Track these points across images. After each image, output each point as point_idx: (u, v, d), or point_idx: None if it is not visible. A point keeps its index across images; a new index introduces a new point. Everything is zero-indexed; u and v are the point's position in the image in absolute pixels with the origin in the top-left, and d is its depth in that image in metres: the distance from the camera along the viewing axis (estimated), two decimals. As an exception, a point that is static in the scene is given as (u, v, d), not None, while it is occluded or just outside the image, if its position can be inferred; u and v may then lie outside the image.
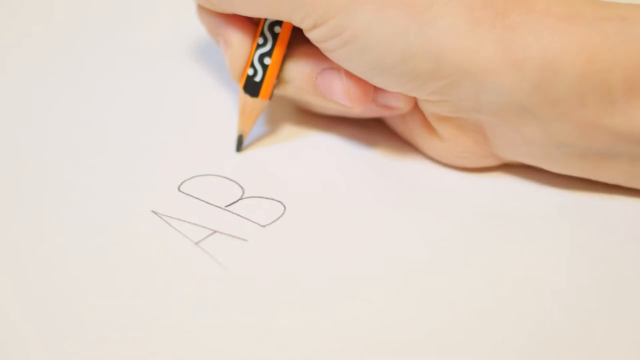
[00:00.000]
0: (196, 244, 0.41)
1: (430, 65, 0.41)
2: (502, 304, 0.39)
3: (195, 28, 0.50)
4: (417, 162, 0.46)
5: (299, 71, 0.44)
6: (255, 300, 0.39)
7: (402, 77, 0.41)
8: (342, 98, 0.44)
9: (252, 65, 0.44)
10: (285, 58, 0.45)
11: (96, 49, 0.53)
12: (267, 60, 0.44)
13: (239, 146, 0.46)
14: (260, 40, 0.44)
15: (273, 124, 0.48)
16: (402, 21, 0.40)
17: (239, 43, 0.45)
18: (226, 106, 0.49)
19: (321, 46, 0.42)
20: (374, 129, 0.47)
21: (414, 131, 0.45)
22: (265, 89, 0.45)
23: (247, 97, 0.45)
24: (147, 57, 0.52)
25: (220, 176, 0.45)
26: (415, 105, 0.44)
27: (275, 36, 0.44)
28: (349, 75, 0.43)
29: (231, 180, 0.45)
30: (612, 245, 0.42)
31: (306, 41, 0.44)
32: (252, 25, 0.45)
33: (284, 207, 0.43)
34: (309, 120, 0.48)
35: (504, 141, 0.43)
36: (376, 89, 0.44)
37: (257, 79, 0.44)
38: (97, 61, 0.52)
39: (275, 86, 0.45)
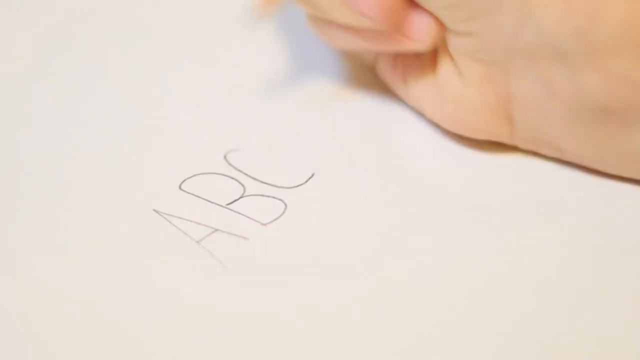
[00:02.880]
0: (197, 242, 0.41)
1: None
2: (502, 304, 0.39)
3: (197, 26, 0.50)
4: (420, 160, 0.46)
5: None
6: (256, 299, 0.39)
7: None
8: (369, 6, 0.42)
9: None
10: None
11: (95, 46, 0.53)
12: None
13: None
14: None
15: (273, 124, 0.48)
16: None
17: None
18: (227, 104, 0.49)
19: None
20: (381, 119, 0.47)
21: (435, 75, 0.45)
22: None
23: None
24: (147, 55, 0.52)
25: (221, 174, 0.45)
26: (444, 45, 0.44)
27: None
28: None
29: (232, 178, 0.44)
30: (617, 244, 0.42)
31: None
32: None
33: (285, 205, 0.43)
34: (310, 118, 0.48)
35: (527, 100, 0.42)
36: (406, 16, 0.43)
37: None
38: (96, 59, 0.52)
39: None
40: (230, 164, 0.45)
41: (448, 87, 0.44)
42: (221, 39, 0.53)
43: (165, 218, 0.42)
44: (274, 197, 0.44)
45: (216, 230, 0.42)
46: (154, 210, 0.43)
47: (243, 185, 0.44)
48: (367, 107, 0.48)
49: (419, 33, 0.43)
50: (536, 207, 0.43)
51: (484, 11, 0.41)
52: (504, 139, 0.44)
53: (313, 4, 0.44)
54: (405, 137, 0.46)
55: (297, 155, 0.46)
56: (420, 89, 0.46)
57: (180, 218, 0.42)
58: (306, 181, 0.44)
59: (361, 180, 0.45)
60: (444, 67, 0.44)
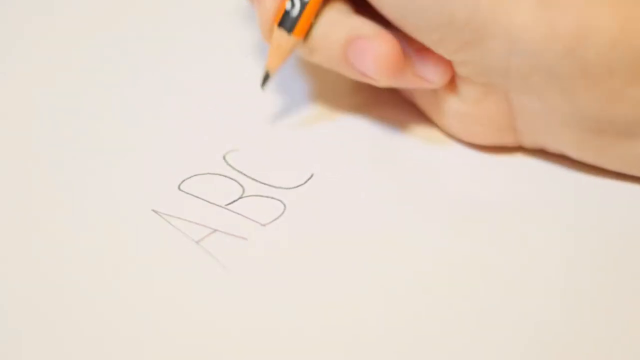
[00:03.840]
0: (196, 242, 0.41)
1: (465, 12, 0.41)
2: (502, 304, 0.39)
3: (197, 26, 0.50)
4: (420, 160, 0.46)
5: (330, 38, 0.44)
6: (256, 299, 0.39)
7: (435, 18, 0.41)
8: (371, 70, 0.43)
9: (291, 0, 0.44)
10: (318, 22, 0.44)
11: (95, 46, 0.53)
12: None
13: (264, 83, 0.46)
14: None
15: (272, 124, 0.48)
16: None
17: (272, 0, 0.45)
18: (227, 104, 0.49)
19: None
20: (380, 120, 0.47)
21: (439, 94, 0.45)
22: (300, 26, 0.44)
23: (281, 33, 0.44)
24: (147, 54, 0.52)
25: (220, 175, 0.45)
26: None
27: None
28: (387, 46, 0.43)
29: (231, 179, 0.44)
30: (615, 244, 0.42)
31: (345, 7, 0.44)
32: None
33: (284, 206, 0.43)
34: (310, 115, 0.48)
35: (527, 111, 0.43)
36: (415, 59, 0.44)
37: (294, 13, 0.44)
38: (96, 59, 0.52)
39: (304, 53, 0.45)
40: (229, 165, 0.45)
41: (449, 106, 0.45)
42: (221, 39, 0.53)
43: (164, 218, 0.42)
44: (273, 198, 0.44)
45: (215, 230, 0.42)
46: (153, 210, 0.43)
47: (242, 186, 0.44)
48: (367, 107, 0.48)
49: (432, 75, 0.44)
50: (535, 207, 0.43)
51: (472, 41, 0.42)
52: (512, 144, 0.45)
53: (317, 61, 0.45)
54: (404, 138, 0.46)
55: (297, 155, 0.46)
56: (426, 107, 0.46)
57: (179, 218, 0.42)
58: (305, 182, 0.44)
59: (360, 181, 0.45)
60: (443, 89, 0.45)
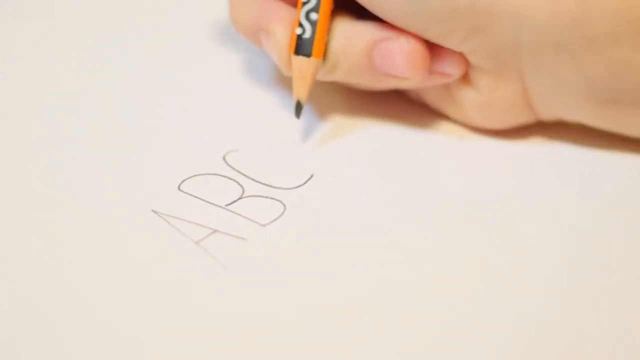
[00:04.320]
0: (196, 243, 0.41)
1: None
2: (503, 303, 0.39)
3: (197, 26, 0.50)
4: (420, 160, 0.46)
5: (350, 49, 0.44)
6: (255, 300, 0.39)
7: (438, 11, 0.41)
8: (403, 69, 0.43)
9: (300, 24, 0.44)
10: (334, 36, 0.44)
11: (95, 46, 0.53)
12: (313, 16, 0.44)
13: (298, 113, 0.45)
14: None
15: (272, 125, 0.48)
16: None
17: (282, 29, 0.44)
18: (227, 104, 0.49)
19: None
20: (380, 120, 0.47)
21: (452, 89, 0.45)
22: (317, 46, 0.44)
23: (300, 59, 0.44)
24: (147, 54, 0.52)
25: (220, 175, 0.45)
26: None
27: None
28: (411, 42, 0.43)
29: (231, 179, 0.44)
30: (620, 244, 0.42)
31: (350, 17, 0.44)
32: (292, 10, 0.45)
33: (284, 206, 0.43)
34: (310, 116, 0.47)
35: (541, 89, 0.43)
36: (432, 57, 0.44)
37: (307, 35, 0.44)
38: (96, 59, 0.52)
39: (324, 72, 0.45)
40: (229, 165, 0.45)
41: (465, 99, 0.45)
42: (221, 39, 0.52)
43: (164, 219, 0.42)
44: (273, 198, 0.44)
45: (215, 231, 0.42)
46: (153, 210, 0.43)
47: (242, 186, 0.44)
48: (367, 108, 0.48)
49: (450, 68, 0.44)
50: (536, 207, 0.43)
51: (478, 27, 0.42)
52: (531, 122, 0.45)
53: (340, 77, 0.45)
54: (404, 139, 0.46)
55: (296, 156, 0.46)
56: (439, 104, 0.46)
57: (179, 219, 0.42)
58: (305, 182, 0.44)
59: (360, 181, 0.44)
60: (456, 83, 0.45)
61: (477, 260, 0.41)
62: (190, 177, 0.44)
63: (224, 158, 0.46)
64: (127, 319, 0.38)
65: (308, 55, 0.44)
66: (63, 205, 0.43)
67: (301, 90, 0.45)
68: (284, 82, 0.49)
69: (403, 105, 0.47)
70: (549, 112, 0.45)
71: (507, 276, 0.40)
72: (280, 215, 0.43)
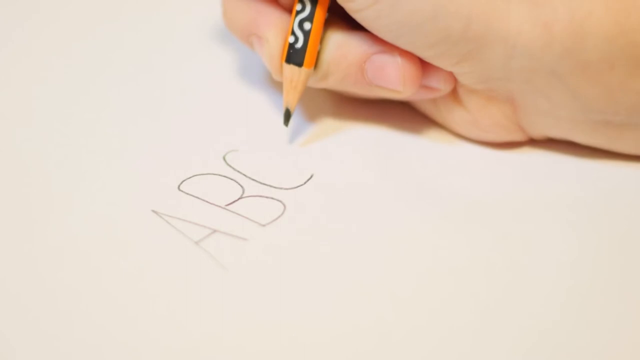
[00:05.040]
0: (196, 243, 0.41)
1: (460, 25, 0.41)
2: (504, 303, 0.39)
3: (195, 26, 0.50)
4: (420, 160, 0.46)
5: (343, 60, 0.44)
6: (255, 300, 0.39)
7: (431, 35, 0.41)
8: (395, 83, 0.44)
9: (293, 33, 0.44)
10: (326, 47, 0.44)
11: (95, 47, 0.53)
12: (307, 25, 0.44)
13: (287, 120, 0.45)
14: (299, 7, 0.44)
15: (272, 125, 0.47)
16: None
17: (274, 36, 0.44)
18: (227, 104, 0.49)
19: (349, 5, 0.42)
20: (381, 121, 0.47)
21: (440, 104, 0.45)
22: (309, 56, 0.44)
23: (292, 68, 0.44)
24: (147, 54, 0.52)
25: (220, 175, 0.45)
26: None
27: (314, 0, 0.44)
28: (404, 56, 0.43)
29: (231, 179, 0.44)
30: (621, 244, 0.42)
31: (344, 27, 0.44)
32: (287, 16, 0.45)
33: (284, 206, 0.43)
34: (310, 116, 0.47)
35: (533, 110, 0.43)
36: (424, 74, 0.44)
37: (299, 45, 0.44)
38: (95, 59, 0.52)
39: (315, 80, 0.45)
40: (229, 165, 0.45)
41: (452, 116, 0.45)
42: (222, 39, 0.52)
43: (164, 219, 0.42)
44: (273, 198, 0.43)
45: (215, 231, 0.42)
46: (153, 210, 0.43)
47: (242, 186, 0.44)
48: (367, 110, 0.48)
49: (438, 83, 0.44)
50: (536, 207, 0.43)
51: (470, 52, 0.42)
52: (522, 140, 0.45)
53: (329, 86, 0.45)
54: (405, 139, 0.46)
55: (296, 156, 0.46)
56: (431, 114, 0.47)
57: (179, 219, 0.42)
58: (305, 182, 0.44)
59: (360, 181, 0.44)
60: (445, 100, 0.45)
61: (477, 261, 0.41)
62: (190, 177, 0.44)
63: (224, 158, 0.46)
64: (127, 318, 0.38)
65: (299, 64, 0.44)
66: (63, 205, 0.43)
67: (291, 99, 0.45)
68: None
69: (403, 107, 0.47)
70: (539, 131, 0.45)
71: (509, 276, 0.40)
72: (281, 216, 0.43)
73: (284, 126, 0.46)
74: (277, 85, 0.49)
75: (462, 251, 0.41)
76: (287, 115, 0.45)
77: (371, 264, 0.41)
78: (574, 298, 0.39)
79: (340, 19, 0.44)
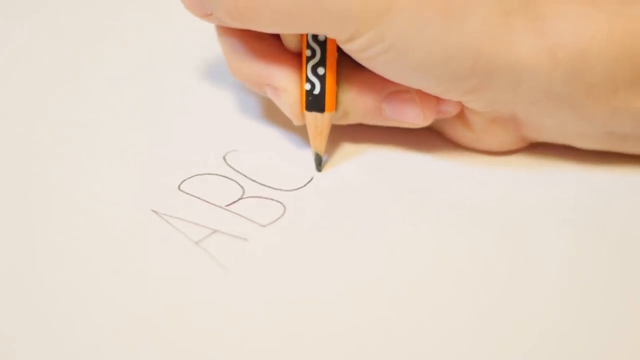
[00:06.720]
0: (196, 243, 0.41)
1: (469, 62, 0.41)
2: (503, 303, 0.39)
3: (196, 26, 0.50)
4: (423, 161, 0.46)
5: (360, 101, 0.44)
6: (255, 300, 0.39)
7: (442, 76, 0.41)
8: (415, 118, 0.44)
9: (308, 80, 0.44)
10: (342, 88, 0.44)
11: (95, 47, 0.53)
12: (320, 70, 0.43)
13: (319, 165, 0.45)
14: (309, 52, 0.43)
15: (273, 125, 0.48)
16: (439, 22, 0.40)
17: (292, 84, 0.44)
18: (227, 104, 0.49)
19: (358, 56, 0.42)
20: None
21: (443, 121, 0.46)
22: (329, 101, 0.44)
23: (314, 115, 0.44)
24: (147, 55, 0.52)
25: (220, 175, 0.45)
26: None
27: (322, 44, 0.43)
28: (421, 94, 0.43)
29: (231, 179, 0.44)
30: (620, 244, 0.42)
31: (356, 66, 0.43)
32: (297, 61, 0.44)
33: (284, 207, 0.43)
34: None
35: (537, 127, 0.44)
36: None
37: (317, 91, 0.44)
38: (95, 60, 0.52)
39: (336, 119, 0.45)
40: (229, 165, 0.45)
41: (456, 133, 0.46)
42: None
43: (164, 218, 0.42)
44: (273, 199, 0.44)
45: (215, 231, 0.42)
46: (153, 210, 0.43)
47: (242, 187, 0.44)
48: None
49: (448, 107, 0.44)
50: (536, 208, 0.43)
51: (478, 85, 0.41)
52: (523, 145, 0.46)
53: (349, 122, 0.45)
54: (405, 141, 0.46)
55: (297, 157, 0.46)
56: (435, 127, 0.47)
57: (179, 219, 0.42)
58: (306, 184, 0.44)
59: (360, 183, 0.45)
60: (451, 119, 0.45)
61: (477, 261, 0.41)
62: (190, 177, 0.44)
63: (224, 158, 0.46)
64: (127, 318, 0.38)
65: (321, 111, 0.44)
66: (63, 205, 0.43)
67: (319, 144, 0.45)
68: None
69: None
70: (542, 140, 0.45)
71: (509, 276, 0.40)
72: (281, 216, 0.43)
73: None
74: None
75: (462, 252, 0.41)
76: (319, 160, 0.45)
77: (371, 264, 0.41)
78: (574, 298, 0.39)
79: (350, 58, 0.44)
